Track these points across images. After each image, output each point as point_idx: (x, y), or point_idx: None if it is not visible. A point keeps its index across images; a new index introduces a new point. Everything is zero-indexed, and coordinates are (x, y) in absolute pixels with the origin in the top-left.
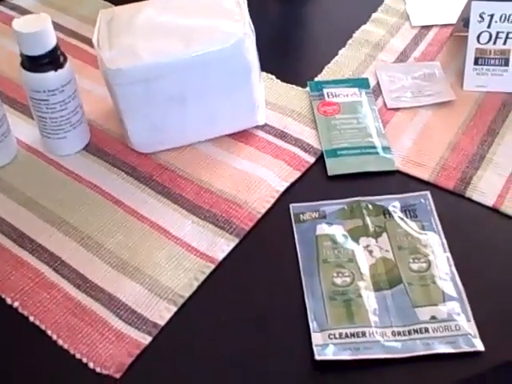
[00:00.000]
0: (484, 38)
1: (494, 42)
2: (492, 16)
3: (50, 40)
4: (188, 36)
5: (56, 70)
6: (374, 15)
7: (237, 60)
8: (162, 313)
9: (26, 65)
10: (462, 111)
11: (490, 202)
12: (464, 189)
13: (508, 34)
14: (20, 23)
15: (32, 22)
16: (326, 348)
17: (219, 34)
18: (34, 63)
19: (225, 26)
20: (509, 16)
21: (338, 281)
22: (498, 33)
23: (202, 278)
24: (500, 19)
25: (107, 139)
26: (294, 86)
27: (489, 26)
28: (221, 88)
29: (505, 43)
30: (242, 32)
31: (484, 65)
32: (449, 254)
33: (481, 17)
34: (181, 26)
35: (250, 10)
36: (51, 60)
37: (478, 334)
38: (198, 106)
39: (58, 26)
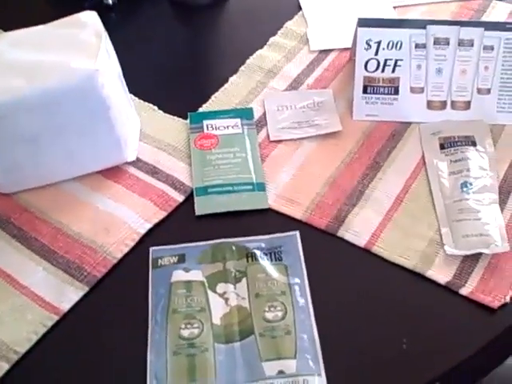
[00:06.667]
0: (372, 65)
1: (383, 70)
2: (379, 43)
3: None
4: (34, 73)
5: None
6: (271, 39)
7: (89, 97)
8: None
9: None
10: (348, 143)
11: (362, 242)
12: (337, 228)
13: (397, 61)
14: None
15: None
16: None
17: (66, 71)
18: None
19: (75, 61)
20: (397, 43)
21: (185, 333)
22: (386, 60)
23: (43, 331)
24: (388, 46)
25: None
26: (175, 117)
27: (376, 54)
28: (77, 126)
29: (393, 71)
30: (92, 68)
31: (373, 93)
32: (310, 302)
33: (367, 44)
34: (30, 63)
35: (139, 35)
36: None
37: None
38: (53, 144)
39: None
